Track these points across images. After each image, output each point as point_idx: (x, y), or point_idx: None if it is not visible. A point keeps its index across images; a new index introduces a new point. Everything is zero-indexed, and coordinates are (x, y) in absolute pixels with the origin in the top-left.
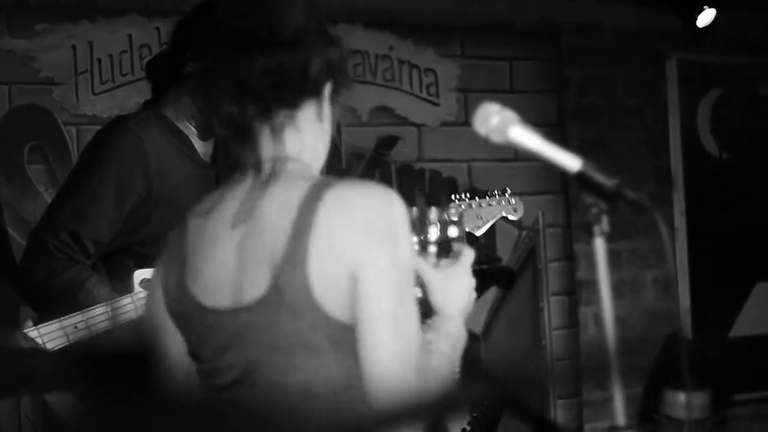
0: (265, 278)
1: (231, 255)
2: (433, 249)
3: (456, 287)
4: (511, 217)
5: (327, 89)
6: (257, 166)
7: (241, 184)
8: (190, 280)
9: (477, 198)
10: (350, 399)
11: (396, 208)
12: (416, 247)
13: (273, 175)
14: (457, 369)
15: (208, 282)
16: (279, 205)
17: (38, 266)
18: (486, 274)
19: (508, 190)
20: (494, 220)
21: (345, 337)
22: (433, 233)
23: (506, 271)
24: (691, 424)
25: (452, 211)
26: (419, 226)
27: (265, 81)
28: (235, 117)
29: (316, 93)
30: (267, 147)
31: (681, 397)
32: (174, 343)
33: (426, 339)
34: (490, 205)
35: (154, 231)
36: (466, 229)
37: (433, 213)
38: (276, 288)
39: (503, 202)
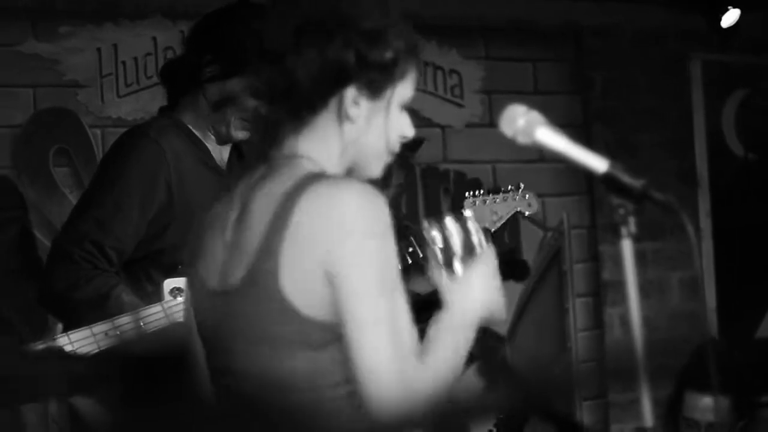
0: (244, 265)
1: (227, 241)
2: (457, 260)
3: (478, 292)
4: (526, 212)
5: (349, 93)
6: (270, 162)
7: (250, 177)
8: (200, 267)
9: (491, 194)
10: (319, 399)
11: (372, 203)
12: (440, 258)
13: (273, 169)
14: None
15: (209, 264)
16: (268, 197)
17: (62, 275)
18: (500, 267)
19: (522, 185)
20: (509, 215)
21: (318, 335)
22: (456, 243)
23: (520, 263)
24: (709, 427)
25: (468, 213)
26: (442, 237)
27: (267, 91)
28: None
29: (319, 99)
30: (285, 144)
31: (701, 399)
32: (199, 344)
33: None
34: (504, 200)
35: (173, 239)
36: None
37: (450, 222)
38: (250, 275)
39: (517, 198)
